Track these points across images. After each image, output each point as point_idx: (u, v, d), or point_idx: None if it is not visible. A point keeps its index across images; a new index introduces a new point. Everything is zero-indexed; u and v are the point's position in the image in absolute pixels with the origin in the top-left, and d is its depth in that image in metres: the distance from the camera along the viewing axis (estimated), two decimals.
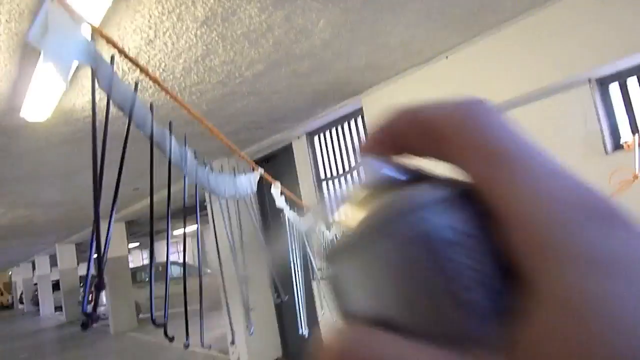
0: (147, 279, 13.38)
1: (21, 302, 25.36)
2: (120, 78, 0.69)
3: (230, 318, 2.06)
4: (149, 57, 2.74)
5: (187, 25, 2.48)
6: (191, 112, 0.98)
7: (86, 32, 0.61)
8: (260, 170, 1.47)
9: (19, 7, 2.08)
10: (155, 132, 0.79)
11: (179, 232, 17.56)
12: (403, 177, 0.21)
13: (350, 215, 0.21)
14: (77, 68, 2.70)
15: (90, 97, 3.33)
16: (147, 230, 14.66)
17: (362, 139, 0.25)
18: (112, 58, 0.66)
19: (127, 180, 6.40)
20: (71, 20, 0.55)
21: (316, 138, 5.16)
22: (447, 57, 3.43)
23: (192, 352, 7.19)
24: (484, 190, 0.18)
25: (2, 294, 30.99)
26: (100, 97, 3.13)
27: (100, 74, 0.63)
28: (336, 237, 0.23)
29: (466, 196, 0.19)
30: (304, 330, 2.10)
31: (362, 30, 2.87)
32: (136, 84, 0.77)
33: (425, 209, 0.18)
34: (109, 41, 0.66)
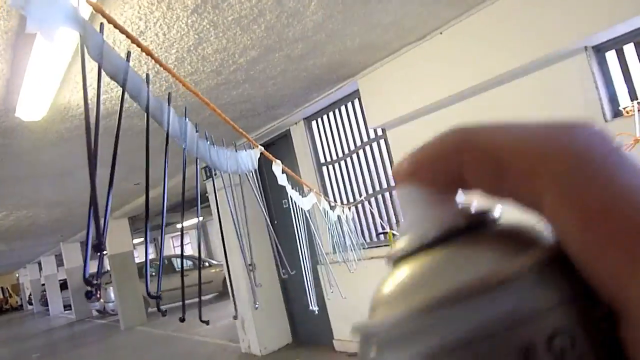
0: (152, 273, 13.46)
1: (30, 303, 25.56)
2: (110, 47, 0.68)
3: (234, 297, 2.08)
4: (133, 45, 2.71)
5: (178, 14, 2.45)
6: (185, 84, 0.96)
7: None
8: (260, 148, 1.47)
9: (5, 5, 2.06)
10: (151, 104, 0.78)
11: (184, 224, 17.60)
12: (461, 224, 0.16)
13: (391, 287, 0.15)
14: (70, 64, 2.68)
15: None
16: (151, 224, 14.69)
17: (398, 162, 0.18)
18: (102, 26, 0.65)
19: (128, 176, 6.40)
20: None
21: (314, 123, 5.14)
22: (441, 32, 3.39)
23: (203, 342, 7.26)
24: (597, 274, 0.13)
25: (11, 296, 31.22)
26: (96, 91, 3.10)
27: (90, 42, 0.62)
28: (373, 312, 0.16)
29: (558, 264, 0.14)
30: (314, 307, 2.12)
31: (354, 10, 2.84)
32: (128, 53, 0.76)
33: (514, 290, 0.13)
34: (96, 8, 0.65)
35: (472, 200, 0.16)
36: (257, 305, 1.76)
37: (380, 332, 0.15)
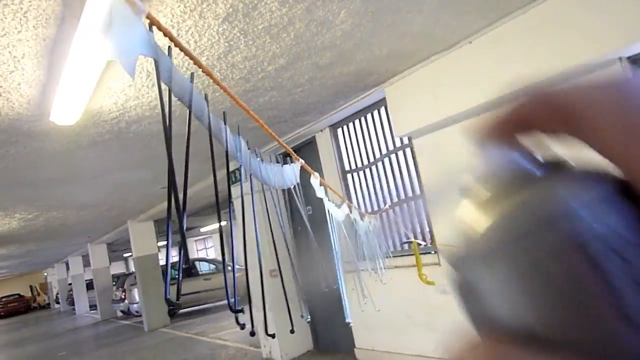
0: (177, 276, 13.63)
1: (57, 301, 26.15)
2: (176, 69, 0.69)
3: (251, 310, 2.08)
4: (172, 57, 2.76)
5: (209, 22, 2.49)
6: (238, 101, 0.98)
7: (145, 24, 0.61)
8: (301, 161, 1.47)
9: (45, 13, 2.12)
10: (212, 122, 0.79)
11: (207, 229, 17.80)
12: (536, 169, 0.18)
13: (476, 215, 0.18)
14: (103, 71, 2.75)
15: (117, 98, 3.36)
16: (175, 228, 14.89)
17: (480, 123, 0.21)
18: (170, 49, 0.66)
19: (155, 180, 6.51)
20: (132, 12, 0.55)
21: (339, 130, 5.15)
22: (470, 42, 3.36)
23: (224, 345, 7.30)
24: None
25: (39, 295, 32.02)
26: (127, 98, 3.14)
27: (161, 66, 0.63)
28: (465, 242, 0.19)
29: (621, 193, 0.16)
30: (349, 319, 2.11)
31: (383, 19, 2.84)
32: (192, 75, 0.78)
33: (582, 209, 0.15)
34: (166, 33, 0.66)
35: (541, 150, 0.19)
36: (307, 318, 1.75)
37: (482, 256, 0.17)
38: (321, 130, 5.25)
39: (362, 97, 4.36)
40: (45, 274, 30.06)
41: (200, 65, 0.78)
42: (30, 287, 32.11)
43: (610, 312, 0.15)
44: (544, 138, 0.19)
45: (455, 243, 0.19)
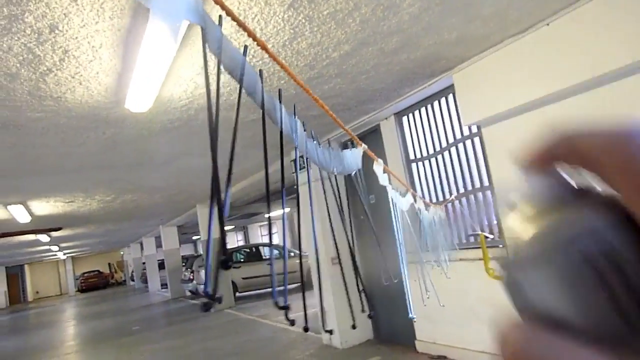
0: (241, 259, 14.04)
1: (132, 279, 27.83)
2: (228, 40, 0.68)
3: (321, 299, 2.08)
4: (238, 44, 2.80)
5: (275, 9, 2.49)
6: (294, 77, 0.95)
7: None
8: (364, 146, 1.43)
9: (119, 3, 2.21)
10: (265, 100, 0.77)
11: (272, 214, 18.19)
12: (568, 194, 0.24)
13: (522, 226, 0.25)
14: (174, 59, 2.83)
15: (187, 86, 3.46)
16: (241, 213, 15.34)
17: (522, 155, 0.26)
18: (220, 19, 0.65)
19: (222, 165, 6.70)
20: None
21: (404, 118, 5.04)
22: (548, 24, 3.15)
23: (285, 330, 7.45)
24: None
25: (116, 272, 34.23)
26: (196, 85, 3.21)
27: (210, 35, 0.62)
28: (514, 247, 0.25)
29: (627, 219, 0.21)
30: (412, 314, 2.06)
31: (452, 1, 2.72)
32: (245, 47, 0.76)
33: (600, 231, 0.21)
34: (217, 1, 0.65)
35: (574, 179, 0.24)
36: (370, 313, 1.72)
37: (524, 261, 0.24)
38: (386, 118, 5.16)
39: (429, 84, 4.23)
40: (122, 252, 32.04)
41: (255, 38, 0.75)
42: (109, 264, 34.38)
43: (611, 311, 0.20)
44: (574, 170, 0.24)
45: (507, 249, 0.27)
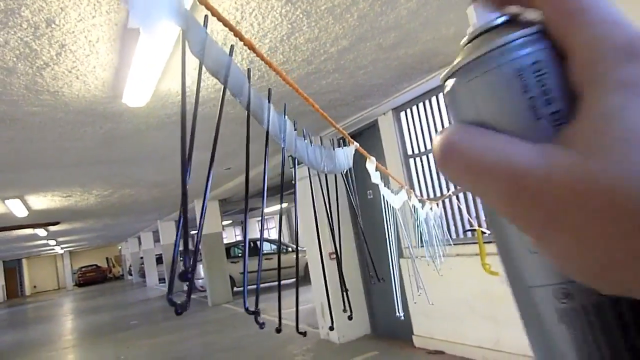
0: (239, 254, 14.05)
1: (130, 273, 27.86)
2: (213, 41, 0.67)
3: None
4: (236, 38, 2.79)
5: (272, 4, 2.48)
6: (282, 75, 0.95)
7: None
8: (356, 144, 1.43)
9: None
10: (252, 101, 0.77)
11: (269, 210, 18.19)
12: (501, 19, 0.27)
13: (468, 45, 0.28)
14: (171, 54, 2.82)
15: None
16: (239, 207, 15.34)
17: None
18: (206, 19, 0.64)
19: (219, 160, 6.69)
20: None
21: (403, 114, 5.03)
22: None
23: (284, 324, 7.45)
24: (557, 32, 0.24)
25: (114, 266, 34.25)
26: (193, 80, 3.20)
27: (192, 36, 0.61)
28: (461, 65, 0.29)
29: (543, 33, 0.25)
30: (400, 313, 2.06)
31: None
32: (232, 47, 0.75)
33: (517, 42, 0.25)
34: (201, 1, 0.64)
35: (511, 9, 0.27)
36: (401, 316, 1.72)
37: (458, 70, 0.27)
38: (384, 114, 5.16)
39: (427, 80, 4.22)
40: (120, 247, 32.05)
41: (241, 38, 0.75)
42: (107, 259, 34.38)
43: (531, 112, 0.25)
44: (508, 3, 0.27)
45: None
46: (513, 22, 0.27)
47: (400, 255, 4.44)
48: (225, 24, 0.71)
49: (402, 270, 4.69)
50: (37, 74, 2.84)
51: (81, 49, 2.61)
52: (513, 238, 0.27)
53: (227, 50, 0.72)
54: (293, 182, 1.26)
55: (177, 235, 0.53)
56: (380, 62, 3.61)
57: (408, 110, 4.94)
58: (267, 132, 0.81)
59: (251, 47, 0.78)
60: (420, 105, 4.77)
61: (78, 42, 2.54)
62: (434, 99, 4.60)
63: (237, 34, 0.75)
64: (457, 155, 0.24)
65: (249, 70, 0.82)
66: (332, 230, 1.45)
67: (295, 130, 0.96)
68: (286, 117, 0.90)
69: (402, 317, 2.10)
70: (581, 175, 0.20)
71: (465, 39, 0.29)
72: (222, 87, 0.70)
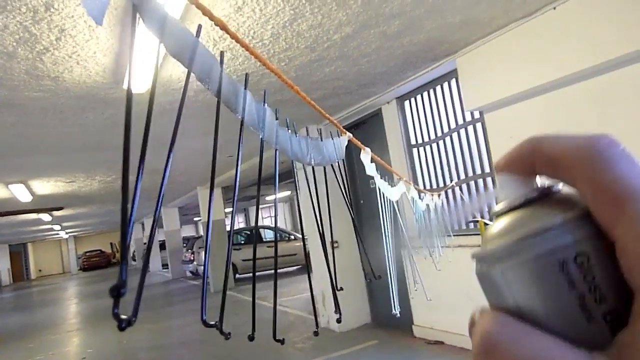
0: (242, 241, 14.10)
1: (134, 259, 28.03)
2: (176, 20, 0.64)
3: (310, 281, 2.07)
4: (237, 24, 2.75)
5: None
6: (264, 61, 0.91)
7: None
8: (349, 135, 1.40)
9: None
10: (224, 87, 0.73)
11: (272, 197, 18.22)
12: (534, 194, 0.25)
13: (495, 225, 0.25)
14: None
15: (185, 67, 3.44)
16: (242, 195, 15.34)
17: (497, 161, 0.28)
18: None
19: (222, 149, 6.67)
20: None
21: (407, 102, 4.99)
22: (555, 8, 3.09)
23: (284, 312, 7.50)
24: (602, 219, 0.22)
25: (118, 251, 34.47)
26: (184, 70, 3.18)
27: (149, 13, 0.58)
28: (485, 241, 0.26)
29: (587, 216, 0.22)
30: (396, 310, 2.04)
31: None
32: (199, 27, 0.72)
33: (559, 229, 0.22)
34: None
35: (542, 181, 0.26)
36: (397, 313, 1.69)
37: (491, 255, 0.24)
38: (387, 103, 5.11)
39: (431, 68, 4.17)
40: None
41: (211, 17, 0.71)
42: (111, 244, 34.57)
43: (581, 312, 0.21)
44: (538, 173, 0.26)
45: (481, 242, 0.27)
46: (548, 197, 0.25)
47: (400, 247, 4.42)
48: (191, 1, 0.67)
49: (403, 262, 4.68)
50: (38, 59, 2.81)
51: (81, 33, 2.58)
52: None
53: (194, 32, 0.68)
54: (293, 171, 1.23)
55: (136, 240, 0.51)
56: (384, 50, 3.57)
57: (412, 99, 4.90)
58: (242, 122, 0.78)
59: (223, 27, 0.75)
60: (425, 94, 4.72)
61: (78, 27, 2.51)
62: (438, 88, 4.55)
63: (207, 13, 0.71)
64: (500, 357, 0.22)
65: (222, 53, 0.79)
66: (330, 221, 1.43)
67: (277, 119, 0.92)
68: (266, 105, 0.87)
69: (398, 315, 2.08)
70: None
71: (497, 209, 0.26)
72: (187, 71, 0.66)
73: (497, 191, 0.27)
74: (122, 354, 6.37)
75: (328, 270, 1.11)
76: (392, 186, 1.98)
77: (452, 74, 4.21)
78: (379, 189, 1.78)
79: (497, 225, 0.25)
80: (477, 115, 4.12)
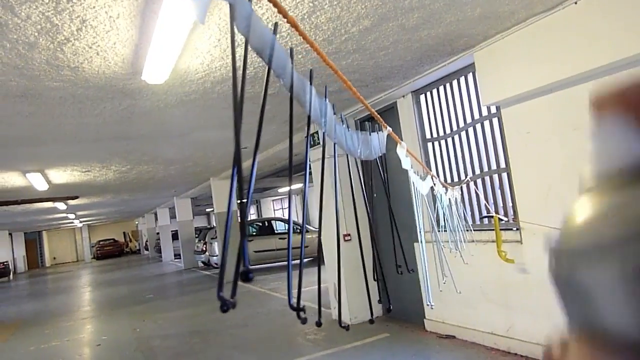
0: (254, 233, 14.17)
1: (146, 248, 28.33)
2: (259, 17, 0.65)
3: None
4: (279, 16, 2.75)
5: None
6: (324, 57, 0.92)
7: None
8: (388, 129, 1.41)
9: None
10: (295, 82, 0.74)
11: (284, 189, 18.28)
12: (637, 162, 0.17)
13: (590, 206, 0.17)
14: (190, 31, 2.80)
15: (204, 59, 3.42)
16: (256, 187, 15.40)
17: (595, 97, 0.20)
18: None
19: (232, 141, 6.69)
20: None
21: (422, 96, 4.96)
22: (576, 2, 3.04)
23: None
24: None
25: (131, 241, 34.85)
26: (213, 58, 3.17)
27: (239, 12, 0.59)
28: (567, 230, 0.17)
29: None
30: (431, 303, 2.05)
31: None
32: (275, 25, 0.73)
33: None
34: None
35: None
36: (432, 305, 1.70)
37: (588, 251, 0.17)
38: (403, 96, 5.09)
39: (449, 62, 4.14)
40: (137, 222, 32.51)
41: (285, 15, 0.73)
42: (124, 233, 34.96)
43: None
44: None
45: (559, 231, 0.19)
46: None
47: (415, 237, 4.42)
48: (271, 0, 0.68)
49: (424, 256, 4.68)
50: (58, 49, 2.85)
51: (102, 24, 2.60)
52: None
53: (271, 29, 0.70)
54: (308, 163, 1.24)
55: (226, 224, 0.52)
56: (401, 44, 3.55)
57: (428, 93, 4.87)
58: (309, 116, 0.79)
59: (294, 26, 0.76)
60: (441, 88, 4.69)
61: (99, 18, 2.53)
62: (455, 82, 4.52)
63: (282, 11, 0.72)
64: None
65: (291, 49, 0.80)
66: (344, 211, 1.44)
67: (335, 114, 0.93)
68: (327, 100, 0.88)
69: (433, 307, 2.09)
70: None
71: (593, 174, 0.18)
72: (267, 67, 0.67)
73: (593, 144, 0.18)
74: (136, 342, 6.46)
75: (338, 263, 1.11)
76: (422, 180, 1.98)
77: (470, 68, 4.18)
78: (413, 184, 1.78)
79: (596, 205, 0.17)
80: (493, 110, 4.08)
